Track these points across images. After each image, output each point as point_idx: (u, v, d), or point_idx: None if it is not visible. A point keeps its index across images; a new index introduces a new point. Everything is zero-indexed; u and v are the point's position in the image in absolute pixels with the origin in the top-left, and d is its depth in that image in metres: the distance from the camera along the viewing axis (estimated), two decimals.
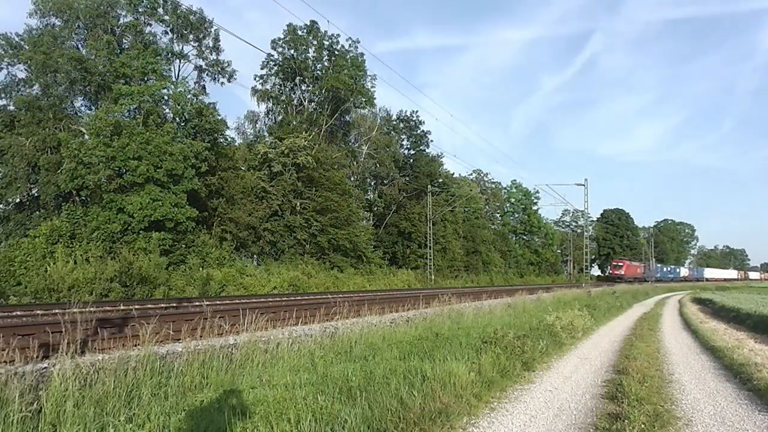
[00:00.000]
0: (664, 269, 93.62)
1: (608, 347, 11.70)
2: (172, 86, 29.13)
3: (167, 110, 28.73)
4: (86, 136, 26.23)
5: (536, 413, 6.06)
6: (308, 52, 40.88)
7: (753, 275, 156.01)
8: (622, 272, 72.65)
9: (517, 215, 75.96)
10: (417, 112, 52.87)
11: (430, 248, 46.16)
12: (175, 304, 15.64)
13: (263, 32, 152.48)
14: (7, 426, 4.18)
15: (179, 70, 33.08)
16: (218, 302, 17.82)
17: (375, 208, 49.28)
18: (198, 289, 23.88)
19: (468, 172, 66.47)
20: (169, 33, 32.08)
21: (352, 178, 45.11)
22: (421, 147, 52.57)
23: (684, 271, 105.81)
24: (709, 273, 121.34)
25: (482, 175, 68.53)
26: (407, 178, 49.54)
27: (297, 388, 5.72)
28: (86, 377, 5.28)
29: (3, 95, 28.65)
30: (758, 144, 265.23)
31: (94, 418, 4.48)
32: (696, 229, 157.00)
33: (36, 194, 28.20)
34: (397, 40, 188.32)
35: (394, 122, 52.05)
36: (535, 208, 75.57)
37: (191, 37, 32.99)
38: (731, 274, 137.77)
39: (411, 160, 51.77)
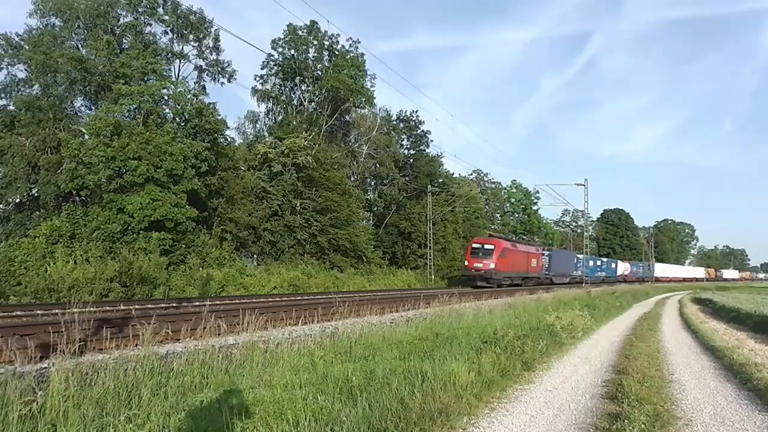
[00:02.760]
0: (590, 263, 58.49)
1: (608, 347, 11.70)
2: (172, 86, 29.11)
3: (167, 110, 28.73)
4: (86, 136, 26.22)
5: (536, 413, 6.06)
6: (308, 52, 40.86)
7: (728, 274, 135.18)
8: (491, 264, 35.11)
9: (517, 215, 75.87)
10: (417, 112, 52.87)
11: (430, 248, 46.14)
12: (175, 304, 15.63)
13: (263, 32, 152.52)
14: (7, 425, 4.18)
15: (179, 70, 33.12)
16: (218, 302, 17.81)
17: (375, 208, 49.24)
18: (198, 289, 23.87)
19: (468, 172, 66.47)
20: (169, 33, 32.09)
21: (352, 178, 45.07)
22: (421, 147, 52.54)
23: (621, 268, 73.72)
24: (662, 271, 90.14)
25: (482, 175, 68.52)
26: (407, 178, 49.50)
27: (297, 388, 5.71)
28: (86, 377, 5.28)
29: (3, 95, 28.65)
30: (758, 144, 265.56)
31: (94, 418, 4.48)
32: (696, 229, 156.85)
33: (36, 194, 28.18)
34: (397, 40, 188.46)
35: (394, 122, 52.01)
36: (535, 208, 75.51)
37: (191, 37, 32.99)
38: (696, 272, 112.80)
39: (411, 160, 51.73)
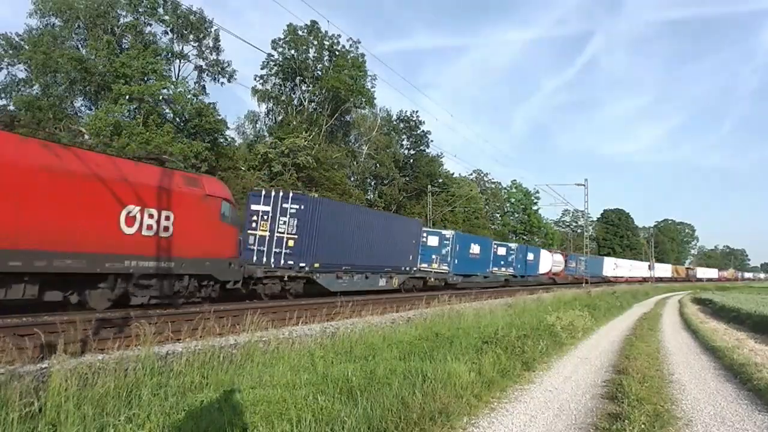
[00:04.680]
0: (474, 249, 30.63)
1: (608, 347, 11.70)
2: (172, 86, 29.12)
3: (167, 110, 28.74)
4: (86, 136, 26.23)
5: (536, 413, 6.05)
6: (308, 53, 40.88)
7: (704, 273, 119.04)
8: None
9: (517, 215, 75.86)
10: (417, 112, 52.90)
11: None
12: None
13: (263, 32, 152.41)
14: (7, 426, 4.18)
15: (179, 70, 33.15)
16: (219, 302, 17.78)
17: (375, 209, 49.28)
18: None
19: (468, 172, 66.51)
20: (169, 33, 32.11)
21: (352, 178, 45.10)
22: (421, 147, 52.58)
23: (548, 262, 45.06)
24: (614, 268, 66.05)
25: (482, 175, 68.58)
26: (407, 178, 49.51)
27: (297, 388, 5.71)
28: (86, 377, 5.27)
29: (3, 95, 28.70)
30: (758, 144, 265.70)
31: (94, 418, 4.47)
32: (696, 229, 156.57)
33: None
34: (397, 40, 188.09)
35: (394, 122, 52.05)
36: (535, 208, 75.47)
37: (191, 37, 33.03)
38: (660, 270, 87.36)
39: (411, 160, 51.77)
